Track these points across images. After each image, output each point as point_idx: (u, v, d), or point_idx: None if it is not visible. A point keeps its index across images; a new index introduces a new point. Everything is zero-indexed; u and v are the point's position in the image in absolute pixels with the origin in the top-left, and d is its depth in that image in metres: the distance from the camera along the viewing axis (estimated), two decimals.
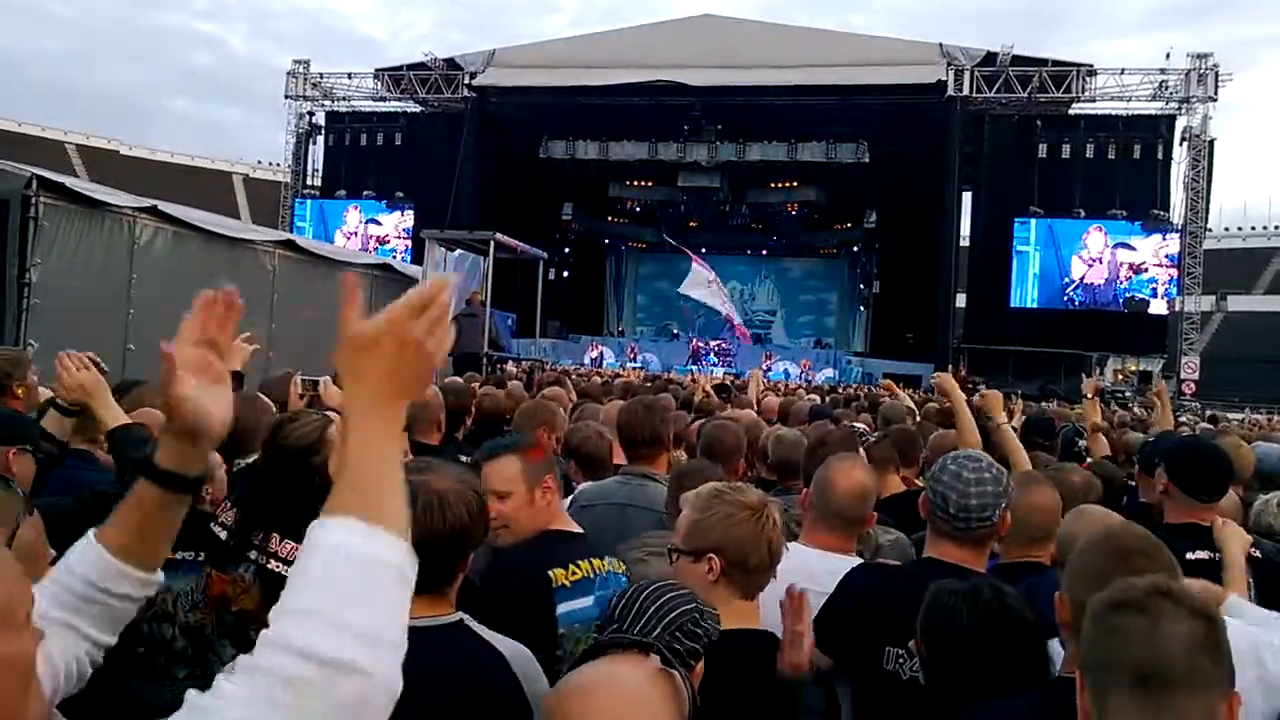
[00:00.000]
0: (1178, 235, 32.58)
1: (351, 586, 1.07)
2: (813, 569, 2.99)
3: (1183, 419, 17.69)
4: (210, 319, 1.52)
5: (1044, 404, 18.72)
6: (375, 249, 36.06)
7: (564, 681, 1.73)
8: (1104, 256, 32.82)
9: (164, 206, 9.66)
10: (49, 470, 3.45)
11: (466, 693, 2.04)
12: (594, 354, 35.62)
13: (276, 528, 2.83)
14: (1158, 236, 32.45)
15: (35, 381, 4.52)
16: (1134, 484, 4.91)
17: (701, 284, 15.28)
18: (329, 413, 3.69)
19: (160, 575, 1.57)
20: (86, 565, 1.48)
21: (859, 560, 3.18)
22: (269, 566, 2.82)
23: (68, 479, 3.42)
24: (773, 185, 38.11)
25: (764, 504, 2.55)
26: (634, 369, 29.07)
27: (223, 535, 2.95)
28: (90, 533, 1.51)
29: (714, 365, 35.03)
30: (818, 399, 11.69)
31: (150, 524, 1.51)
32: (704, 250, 43.99)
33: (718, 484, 2.75)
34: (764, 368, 33.61)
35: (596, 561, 2.92)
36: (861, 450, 4.49)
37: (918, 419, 7.30)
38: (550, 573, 2.80)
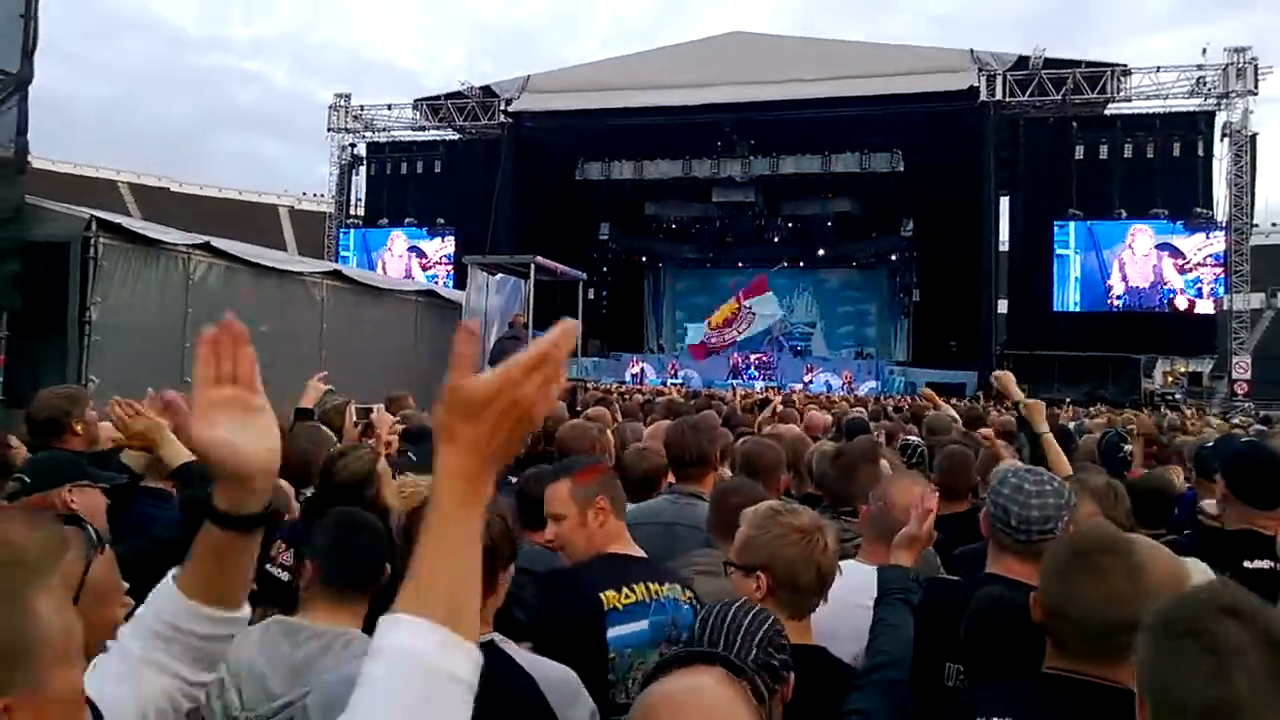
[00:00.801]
0: (1222, 232, 32.08)
1: (417, 705, 1.02)
2: (871, 587, 2.92)
3: (1235, 420, 17.50)
4: (221, 354, 1.41)
5: (1090, 407, 18.58)
6: (419, 275, 36.45)
7: (647, 693, 1.72)
8: (1148, 257, 32.43)
9: (216, 242, 9.92)
10: (124, 503, 3.44)
11: (488, 713, 2.13)
12: (635, 370, 35.85)
13: None
14: (1202, 235, 31.97)
15: (95, 418, 4.64)
16: (1190, 490, 4.87)
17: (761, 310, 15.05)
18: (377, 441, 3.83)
19: (245, 611, 1.56)
20: (166, 607, 1.47)
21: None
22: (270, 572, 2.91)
23: (140, 516, 3.45)
24: (808, 197, 38.15)
25: (816, 527, 2.60)
26: (675, 385, 29.19)
27: (284, 577, 2.94)
28: (169, 575, 1.50)
29: (754, 379, 35.11)
30: (863, 411, 11.68)
31: (220, 564, 1.48)
32: (740, 264, 44.19)
33: (774, 503, 2.84)
34: (805, 380, 33.68)
35: (654, 585, 2.88)
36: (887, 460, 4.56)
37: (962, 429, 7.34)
38: (602, 595, 2.77)
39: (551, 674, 2.24)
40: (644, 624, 2.78)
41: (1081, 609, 2.01)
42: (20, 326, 8.39)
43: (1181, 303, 32.20)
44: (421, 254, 38.83)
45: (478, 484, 1.10)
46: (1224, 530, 3.57)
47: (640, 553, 3.10)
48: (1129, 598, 1.96)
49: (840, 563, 3.11)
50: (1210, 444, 5.52)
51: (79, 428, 4.35)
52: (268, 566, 2.92)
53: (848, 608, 2.79)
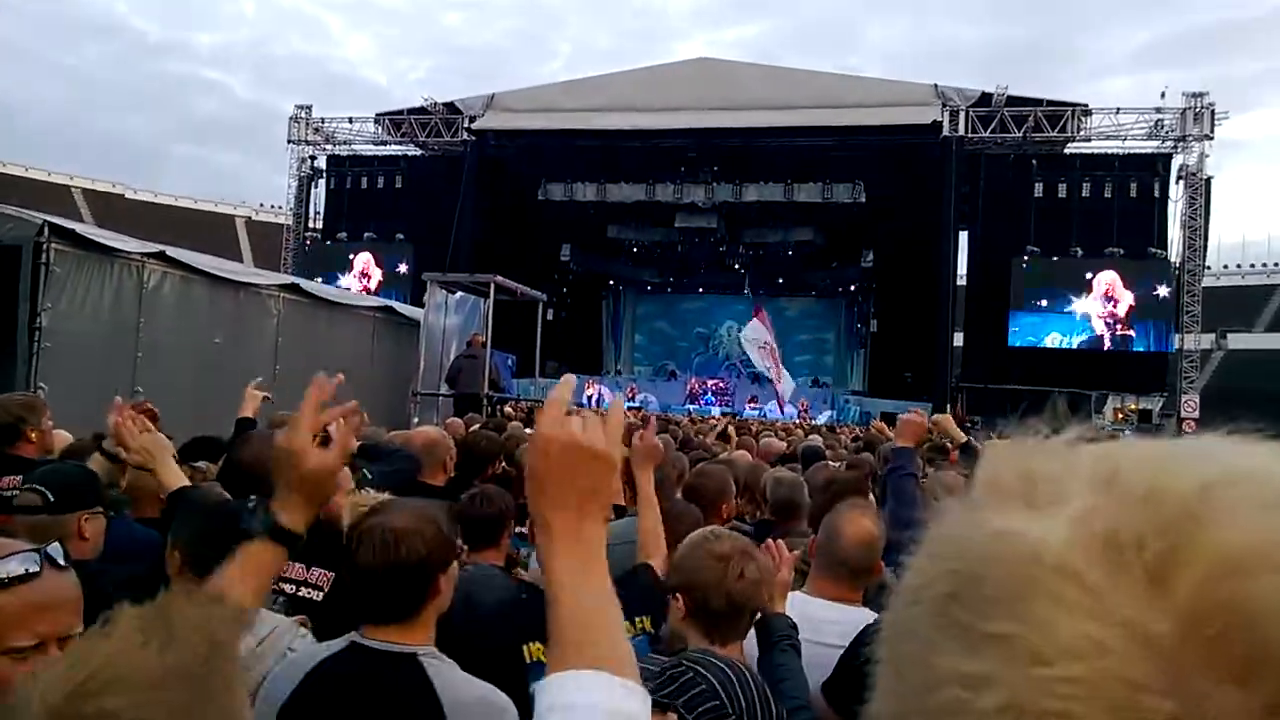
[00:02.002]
0: (1176, 274, 32.68)
1: None
2: (814, 618, 2.97)
3: None
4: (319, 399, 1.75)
5: None
6: (376, 291, 36.19)
7: None
8: (1103, 294, 32.90)
9: (171, 252, 9.77)
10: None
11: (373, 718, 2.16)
12: (590, 392, 35.72)
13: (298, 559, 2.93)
14: (1156, 275, 32.55)
15: (50, 426, 4.60)
16: None
17: (757, 342, 15.18)
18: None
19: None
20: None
21: (864, 610, 3.11)
22: (300, 594, 2.99)
23: (121, 534, 3.36)
24: (769, 225, 38.35)
25: (736, 553, 2.57)
26: (633, 408, 29.15)
27: (318, 597, 3.04)
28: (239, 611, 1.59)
29: (711, 404, 35.15)
30: (818, 439, 11.74)
31: (267, 580, 1.71)
32: (701, 290, 44.33)
33: (706, 529, 2.85)
34: (746, 408, 33.82)
35: None
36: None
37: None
38: (525, 648, 2.74)
39: (469, 696, 2.22)
40: None
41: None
42: None
43: (1133, 343, 32.67)
44: (379, 269, 38.53)
45: (563, 534, 1.12)
46: None
47: None
48: None
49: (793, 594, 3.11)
50: None
51: (34, 435, 4.37)
52: (303, 592, 3.03)
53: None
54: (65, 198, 61.92)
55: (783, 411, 12.60)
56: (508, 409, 13.77)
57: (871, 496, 4.61)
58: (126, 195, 69.33)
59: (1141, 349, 32.75)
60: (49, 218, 8.48)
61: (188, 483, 3.24)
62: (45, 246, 8.18)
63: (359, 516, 2.52)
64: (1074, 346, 33.25)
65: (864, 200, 33.49)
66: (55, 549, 1.75)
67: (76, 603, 1.72)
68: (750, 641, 2.71)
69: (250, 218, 71.46)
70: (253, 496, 1.97)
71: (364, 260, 38.70)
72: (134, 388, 8.99)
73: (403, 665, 2.21)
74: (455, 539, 2.47)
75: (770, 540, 3.01)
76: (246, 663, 1.57)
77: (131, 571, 2.35)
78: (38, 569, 1.67)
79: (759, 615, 2.74)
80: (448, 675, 2.24)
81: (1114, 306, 32.76)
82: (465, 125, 36.22)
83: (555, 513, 1.12)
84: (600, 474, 1.13)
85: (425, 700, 2.17)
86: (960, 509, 0.55)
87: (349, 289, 32.99)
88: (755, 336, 15.20)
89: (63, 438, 4.65)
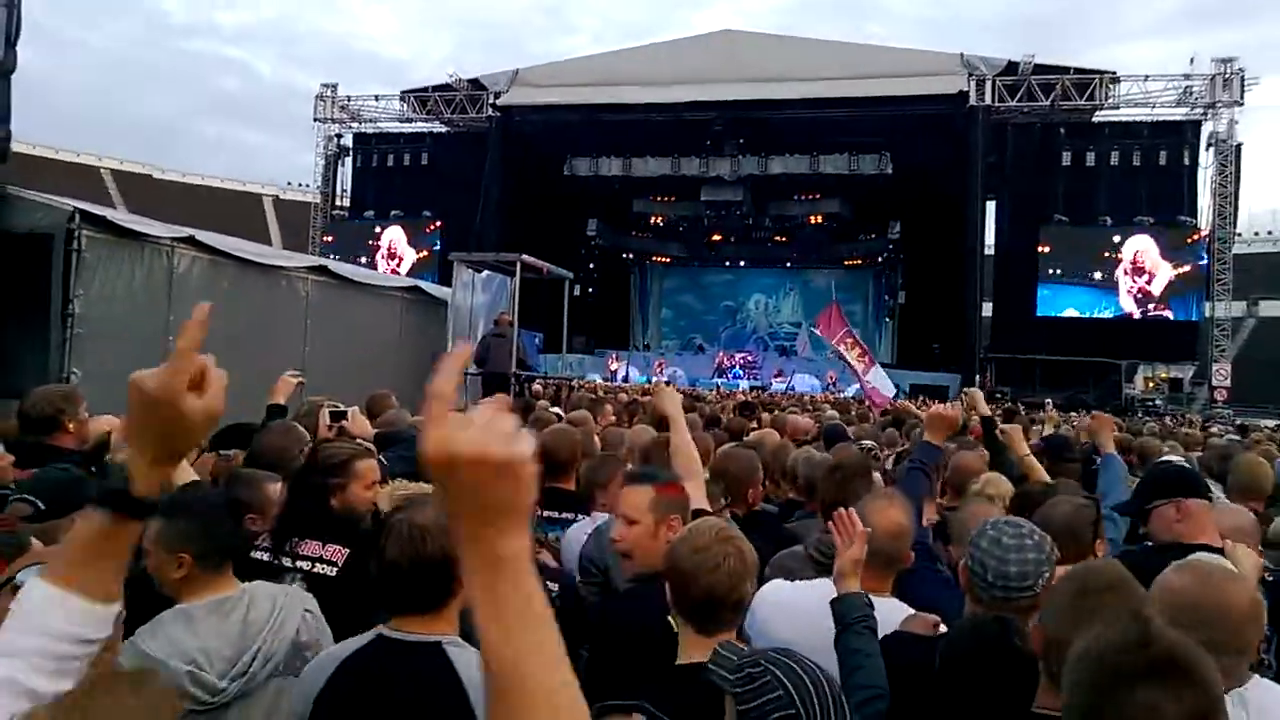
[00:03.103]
0: (1206, 241, 32.37)
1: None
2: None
3: (1214, 428, 17.63)
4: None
5: (1070, 412, 18.66)
6: (410, 272, 36.30)
7: None
8: (1132, 264, 32.62)
9: (200, 235, 9.83)
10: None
11: (400, 706, 2.24)
12: (614, 367, 35.74)
13: (304, 533, 3.10)
14: (1186, 242, 32.23)
15: (87, 416, 4.69)
16: None
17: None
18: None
19: (118, 606, 1.43)
20: (68, 619, 1.33)
21: (894, 600, 3.10)
22: (316, 570, 3.08)
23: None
24: (796, 198, 38.21)
25: (710, 546, 2.51)
26: (660, 383, 29.20)
27: (265, 557, 3.15)
28: (44, 583, 1.35)
29: (739, 378, 35.14)
30: (836, 416, 11.68)
31: (121, 555, 1.39)
32: (727, 263, 44.20)
33: (699, 520, 2.85)
34: (772, 382, 33.78)
35: None
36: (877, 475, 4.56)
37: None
38: (671, 619, 2.69)
39: None
40: None
41: None
42: (1, 318, 8.32)
43: (1164, 310, 32.41)
44: (407, 247, 38.67)
45: (484, 559, 0.95)
46: (1181, 544, 3.54)
47: None
48: None
49: (817, 580, 3.12)
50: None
51: (72, 426, 4.48)
52: (254, 552, 3.11)
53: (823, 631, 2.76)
54: (94, 178, 62.38)
55: (875, 404, 12.21)
56: (536, 387, 13.82)
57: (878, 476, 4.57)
58: (154, 176, 69.71)
59: (1173, 317, 32.43)
60: (80, 204, 8.54)
61: (196, 477, 3.38)
62: (76, 233, 8.23)
63: (398, 502, 2.58)
64: (1103, 315, 32.99)
65: (890, 171, 33.30)
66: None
67: None
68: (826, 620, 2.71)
69: (278, 197, 71.75)
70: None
71: (390, 239, 38.81)
72: None
73: (427, 653, 2.30)
74: None
75: (841, 510, 2.98)
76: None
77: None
78: None
79: (836, 597, 2.75)
80: (470, 660, 2.28)
81: (1146, 281, 32.46)
82: (490, 101, 36.27)
83: (472, 534, 0.95)
84: (519, 485, 0.95)
85: (449, 684, 2.24)
86: None
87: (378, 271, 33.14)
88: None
89: (109, 422, 4.72)
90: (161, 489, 1.43)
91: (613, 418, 8.41)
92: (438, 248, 36.77)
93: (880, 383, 14.02)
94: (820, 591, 2.91)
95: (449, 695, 2.22)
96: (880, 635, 2.73)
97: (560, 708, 0.93)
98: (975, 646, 2.44)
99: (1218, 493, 4.49)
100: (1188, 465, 4.63)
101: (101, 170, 66.81)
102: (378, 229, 39.00)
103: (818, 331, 13.83)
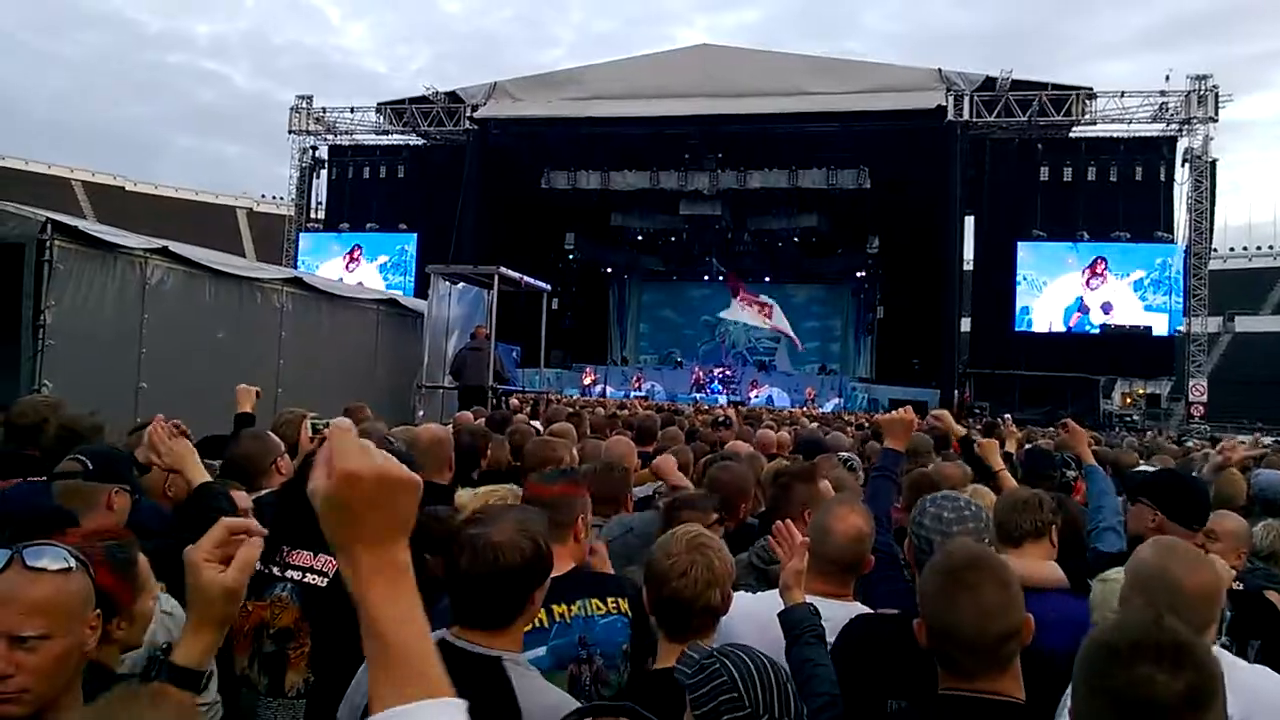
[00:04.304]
0: (1182, 257, 32.61)
1: None
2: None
3: (1189, 442, 17.74)
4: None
5: (1048, 427, 18.70)
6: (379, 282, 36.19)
7: None
8: (1108, 279, 32.83)
9: (174, 247, 9.72)
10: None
11: None
12: (588, 380, 35.63)
13: (296, 544, 3.08)
14: (1162, 258, 32.48)
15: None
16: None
17: (742, 312, 14.36)
18: None
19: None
20: None
21: (855, 604, 3.15)
22: (307, 581, 3.05)
23: (147, 513, 3.60)
24: (774, 212, 38.26)
25: (678, 554, 2.61)
26: (638, 397, 29.17)
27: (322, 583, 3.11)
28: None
29: (718, 393, 35.11)
30: (818, 428, 11.69)
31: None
32: (705, 278, 44.24)
33: (678, 528, 2.85)
34: (750, 396, 33.80)
35: (559, 606, 2.87)
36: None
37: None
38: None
39: (544, 702, 2.29)
40: (542, 650, 2.78)
41: (961, 626, 2.10)
42: None
43: (1139, 327, 32.61)
44: (382, 259, 38.58)
45: (379, 566, 1.12)
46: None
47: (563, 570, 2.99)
48: (1003, 608, 2.11)
49: (766, 594, 3.11)
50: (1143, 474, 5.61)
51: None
52: (309, 578, 3.09)
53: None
54: (66, 190, 61.89)
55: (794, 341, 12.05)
56: (513, 400, 13.75)
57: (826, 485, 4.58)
58: (127, 187, 69.27)
59: (1147, 334, 32.63)
60: (52, 214, 8.43)
61: (209, 478, 3.44)
62: (48, 243, 8.12)
63: (465, 520, 2.62)
64: (1080, 331, 33.14)
65: (869, 186, 33.34)
66: (39, 552, 1.78)
67: (34, 605, 1.74)
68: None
69: (252, 209, 71.39)
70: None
71: (365, 250, 38.73)
72: (138, 384, 8.97)
73: (487, 667, 2.31)
74: (551, 555, 2.50)
75: (780, 523, 2.98)
76: None
77: (156, 545, 2.52)
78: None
79: (783, 610, 2.78)
80: (529, 681, 2.34)
81: (1120, 291, 32.70)
82: (467, 114, 36.18)
83: (370, 546, 1.10)
84: (412, 500, 1.13)
85: (504, 703, 2.25)
86: None
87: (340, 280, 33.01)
88: (737, 311, 14.30)
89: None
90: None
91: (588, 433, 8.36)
92: (413, 260, 36.69)
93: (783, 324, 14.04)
94: (772, 603, 2.93)
95: (503, 712, 2.25)
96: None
97: (432, 665, 1.10)
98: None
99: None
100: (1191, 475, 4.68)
101: (73, 182, 66.35)
102: (352, 241, 38.83)
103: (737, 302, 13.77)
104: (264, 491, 3.98)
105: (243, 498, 3.69)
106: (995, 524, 3.27)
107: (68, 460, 3.35)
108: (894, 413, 4.51)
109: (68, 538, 2.06)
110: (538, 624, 2.79)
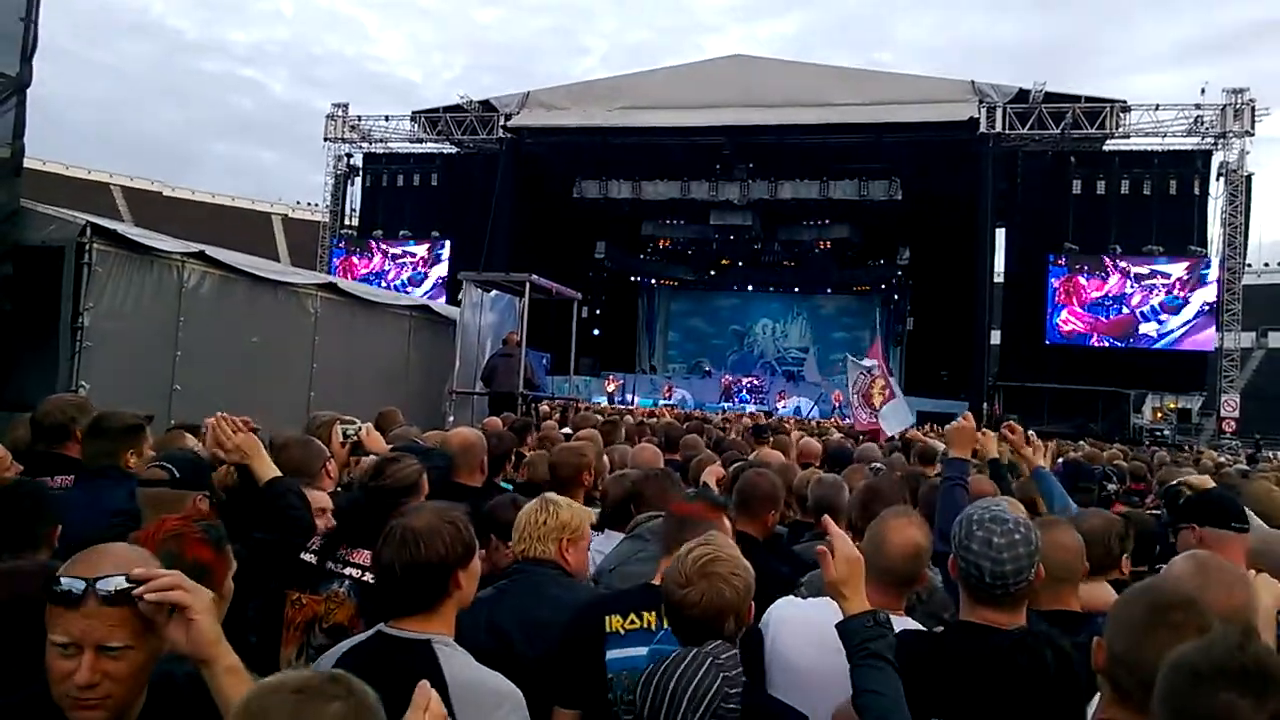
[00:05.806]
0: (1216, 271, 32.28)
1: None
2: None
3: (1222, 458, 17.57)
4: None
5: (1081, 441, 18.57)
6: (411, 290, 36.35)
7: None
8: (1140, 293, 32.53)
9: (211, 251, 9.83)
10: None
11: (385, 697, 2.27)
12: (611, 387, 35.64)
13: (357, 543, 3.21)
14: (1196, 273, 32.16)
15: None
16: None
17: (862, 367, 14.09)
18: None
19: None
20: None
21: (906, 619, 3.07)
22: (364, 579, 3.15)
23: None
24: (805, 223, 38.25)
25: (694, 581, 2.51)
26: (668, 406, 29.15)
27: (312, 560, 3.32)
28: None
29: (746, 401, 35.08)
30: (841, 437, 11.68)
31: None
32: (735, 287, 44.24)
33: (692, 546, 2.71)
34: (776, 406, 33.71)
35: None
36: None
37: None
38: (607, 618, 3.00)
39: (473, 681, 2.42)
40: (642, 650, 2.84)
41: (1155, 664, 1.95)
42: (11, 331, 8.31)
43: (1173, 340, 32.27)
44: (416, 268, 38.72)
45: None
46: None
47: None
48: None
49: (820, 600, 3.05)
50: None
51: (81, 435, 4.48)
52: (303, 554, 3.29)
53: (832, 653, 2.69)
54: (105, 195, 62.70)
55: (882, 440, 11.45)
56: (543, 407, 13.80)
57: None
58: (164, 193, 70.03)
59: (1179, 348, 32.28)
60: (91, 218, 8.55)
61: (278, 473, 3.52)
62: (87, 247, 8.24)
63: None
64: (1112, 345, 32.81)
65: (900, 197, 33.27)
66: (109, 581, 1.86)
67: (121, 618, 1.85)
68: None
69: (287, 215, 72.02)
70: None
71: (399, 257, 38.88)
72: (173, 386, 9.08)
73: (416, 650, 2.44)
74: (474, 539, 2.62)
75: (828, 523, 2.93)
76: None
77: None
78: (80, 593, 1.83)
79: (841, 621, 2.64)
80: (456, 660, 2.46)
81: (1152, 305, 32.34)
82: (500, 123, 36.32)
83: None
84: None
85: (432, 681, 2.21)
86: None
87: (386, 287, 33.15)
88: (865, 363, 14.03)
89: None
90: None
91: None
92: (446, 268, 36.85)
93: (892, 416, 13.21)
94: (829, 612, 2.78)
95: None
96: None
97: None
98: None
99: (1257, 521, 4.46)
100: (1227, 494, 4.64)
101: (112, 187, 67.18)
102: (386, 248, 39.04)
103: (866, 360, 13.18)
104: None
105: (320, 497, 3.81)
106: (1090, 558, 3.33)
107: (153, 468, 3.45)
108: (955, 422, 4.69)
109: (165, 523, 2.29)
110: (645, 625, 2.97)
